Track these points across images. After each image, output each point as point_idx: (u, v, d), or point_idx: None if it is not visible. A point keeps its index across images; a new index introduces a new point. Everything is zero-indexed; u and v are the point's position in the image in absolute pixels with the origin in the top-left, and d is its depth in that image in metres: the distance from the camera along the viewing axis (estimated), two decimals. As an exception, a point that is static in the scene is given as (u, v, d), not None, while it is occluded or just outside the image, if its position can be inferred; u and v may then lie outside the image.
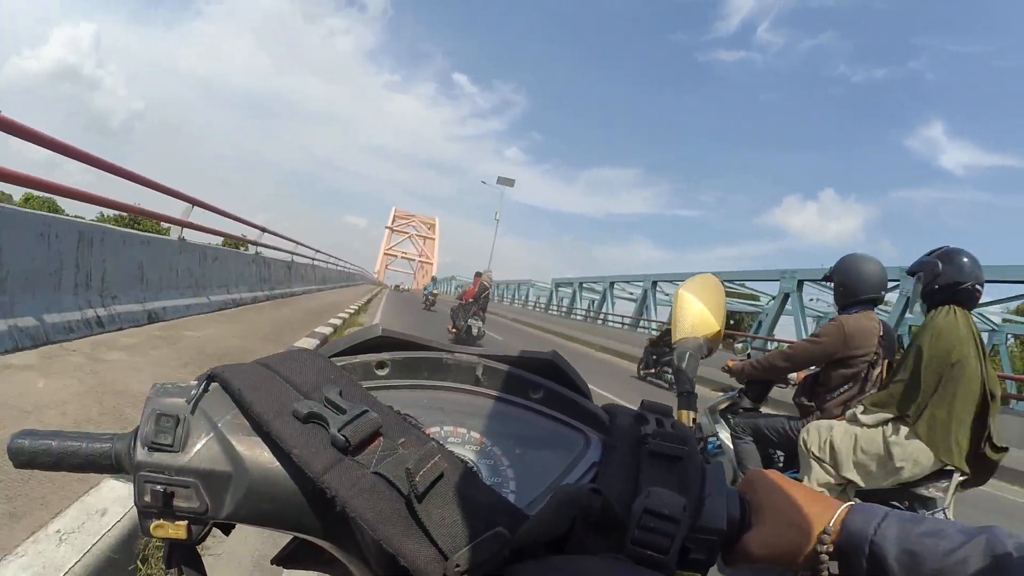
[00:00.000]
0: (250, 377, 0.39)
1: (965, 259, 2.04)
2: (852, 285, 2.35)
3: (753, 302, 24.68)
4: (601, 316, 24.67)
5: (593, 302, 27.52)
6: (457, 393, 0.46)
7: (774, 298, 15.33)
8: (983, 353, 2.02)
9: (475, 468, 0.41)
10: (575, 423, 0.45)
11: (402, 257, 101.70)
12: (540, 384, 0.46)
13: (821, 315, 21.84)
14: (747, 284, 19.56)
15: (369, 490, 0.34)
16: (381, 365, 0.45)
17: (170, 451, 0.37)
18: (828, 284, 2.52)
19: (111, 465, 0.39)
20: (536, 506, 0.39)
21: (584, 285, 29.35)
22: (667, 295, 21.28)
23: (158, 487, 0.36)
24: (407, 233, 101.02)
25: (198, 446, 0.37)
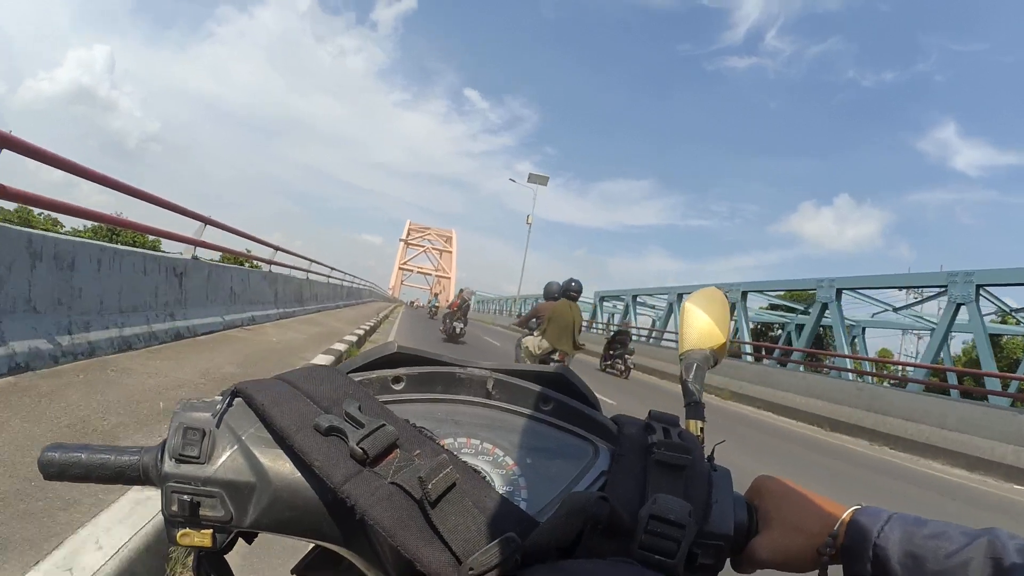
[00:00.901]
0: (272, 392, 0.41)
1: (573, 282, 6.24)
2: (546, 293, 6.90)
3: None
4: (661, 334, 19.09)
5: (655, 321, 22.13)
6: (470, 406, 0.47)
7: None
8: (577, 315, 6.09)
9: (488, 477, 0.42)
10: (584, 433, 0.47)
11: (418, 272, 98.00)
12: (550, 396, 0.47)
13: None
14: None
15: (387, 499, 0.36)
16: (397, 380, 0.47)
17: (196, 463, 0.38)
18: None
19: (139, 476, 0.41)
20: (547, 513, 0.40)
21: (638, 298, 23.15)
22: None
23: (185, 497, 0.38)
24: (422, 247, 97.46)
25: (223, 458, 0.39)
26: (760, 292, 16.14)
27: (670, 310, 19.74)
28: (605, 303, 27.06)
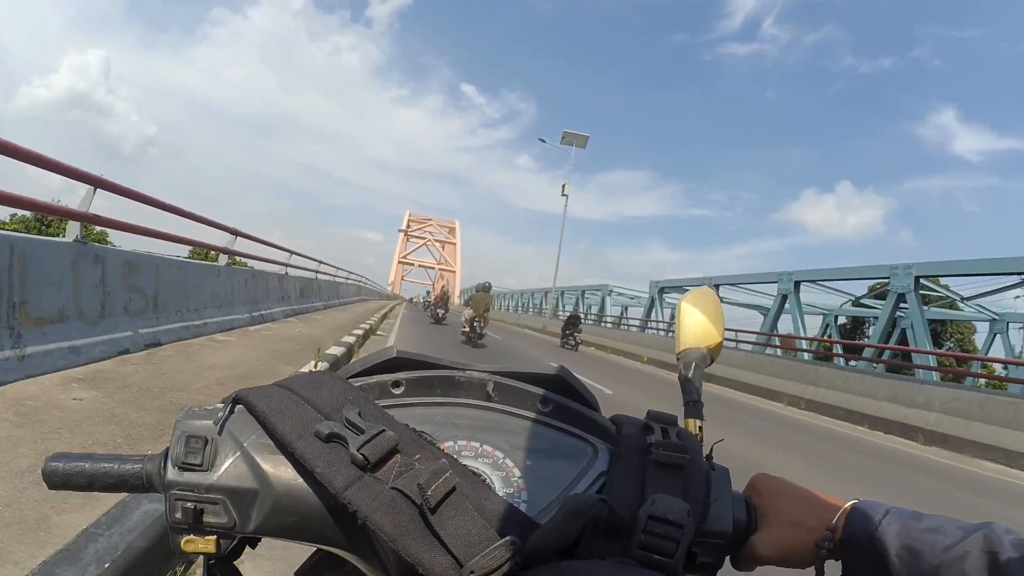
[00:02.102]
0: (273, 400, 0.42)
1: (487, 283, 14.81)
2: (477, 287, 13.77)
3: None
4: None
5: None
6: (470, 409, 0.48)
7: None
8: (488, 299, 13.46)
9: (488, 480, 0.42)
10: (583, 435, 0.47)
11: (419, 266, 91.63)
12: (549, 398, 0.48)
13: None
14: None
15: (388, 504, 0.36)
16: (396, 384, 0.47)
17: (199, 470, 0.39)
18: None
19: (142, 484, 0.41)
20: (547, 515, 0.40)
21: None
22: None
23: (188, 504, 0.38)
24: (423, 239, 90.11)
25: (226, 465, 0.39)
26: (813, 282, 15.61)
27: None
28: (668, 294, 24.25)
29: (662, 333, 19.94)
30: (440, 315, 18.69)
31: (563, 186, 29.38)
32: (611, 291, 28.97)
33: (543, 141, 29.78)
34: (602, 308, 28.44)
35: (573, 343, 16.89)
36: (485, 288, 14.71)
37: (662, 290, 21.98)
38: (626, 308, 29.63)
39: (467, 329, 12.99)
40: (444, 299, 19.53)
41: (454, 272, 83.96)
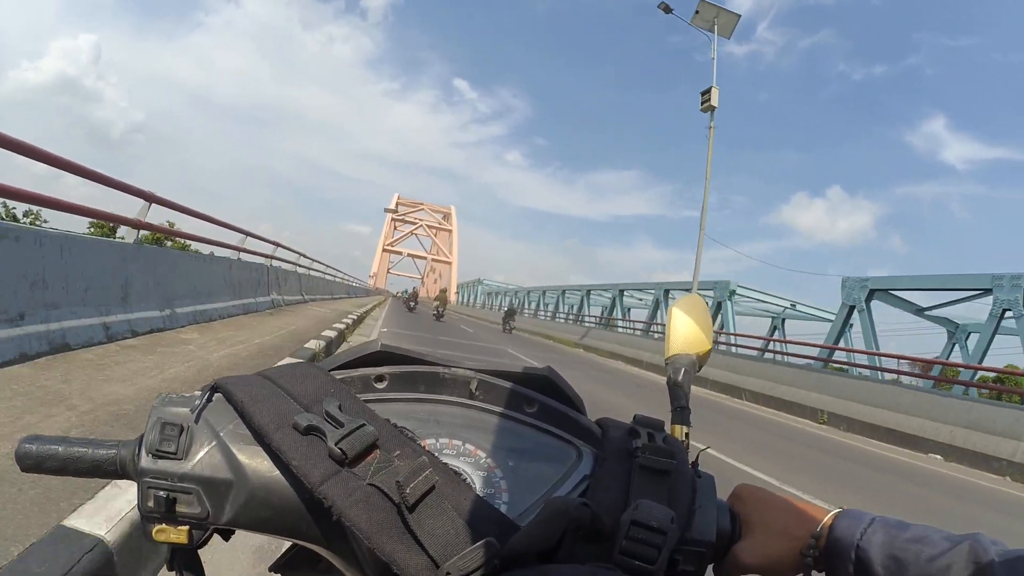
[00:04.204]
0: (252, 389, 0.41)
1: (443, 288, 24.53)
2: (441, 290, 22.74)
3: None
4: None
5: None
6: (453, 406, 0.47)
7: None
8: (447, 295, 23.83)
9: (468, 480, 0.42)
10: (568, 437, 0.46)
11: (408, 255, 79.76)
12: (534, 398, 0.47)
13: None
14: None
15: (364, 501, 0.35)
16: (380, 379, 0.46)
17: (173, 458, 0.38)
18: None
19: (115, 471, 0.40)
20: (528, 517, 0.40)
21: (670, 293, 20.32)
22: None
23: (161, 493, 0.37)
24: (415, 223, 76.37)
25: (200, 454, 0.38)
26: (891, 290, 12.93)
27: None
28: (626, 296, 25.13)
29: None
30: (411, 307, 24.56)
31: (708, 94, 14.49)
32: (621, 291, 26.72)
33: (667, 10, 14.85)
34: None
35: (509, 328, 23.66)
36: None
37: (666, 292, 20.96)
38: (629, 310, 28.88)
39: (435, 313, 21.96)
40: (415, 294, 25.76)
41: (450, 263, 71.99)
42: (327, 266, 20.51)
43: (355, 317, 11.83)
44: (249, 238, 9.43)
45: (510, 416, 0.47)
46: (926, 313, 15.26)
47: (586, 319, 26.58)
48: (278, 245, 11.56)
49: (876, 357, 11.10)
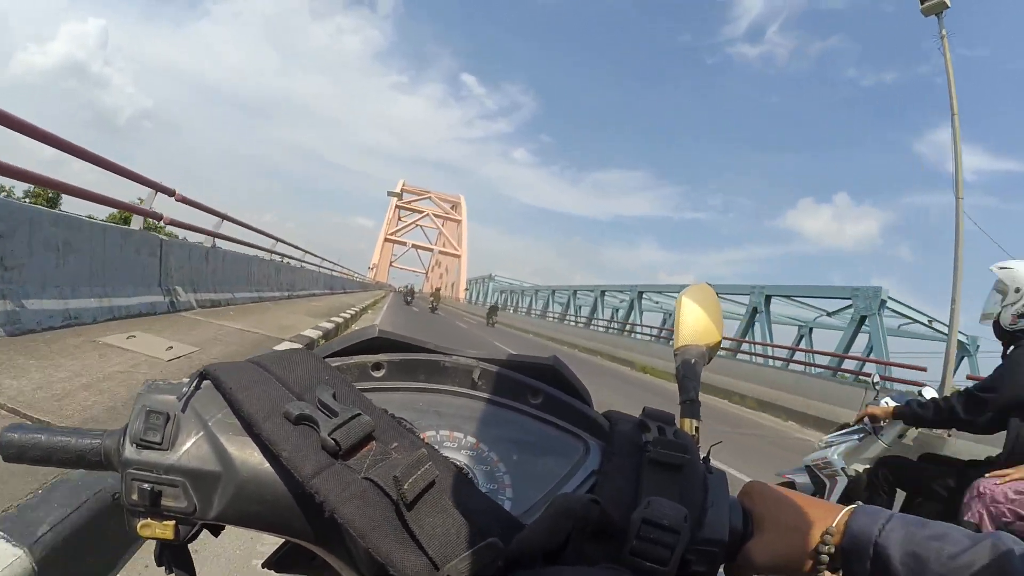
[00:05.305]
0: (242, 376, 0.39)
1: (438, 288, 32.40)
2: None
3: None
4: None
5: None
6: (454, 397, 0.45)
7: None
8: (440, 292, 31.62)
9: (470, 474, 0.40)
10: (574, 429, 0.44)
11: (413, 247, 75.35)
12: (539, 389, 0.45)
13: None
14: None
15: (359, 496, 0.33)
16: (377, 367, 0.44)
17: (159, 449, 0.36)
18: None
19: (99, 461, 0.39)
20: (533, 514, 0.38)
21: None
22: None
23: (145, 485, 0.36)
24: (421, 212, 71.64)
25: (187, 445, 0.36)
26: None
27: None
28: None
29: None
30: (408, 300, 30.98)
31: (941, 33, 10.41)
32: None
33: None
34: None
35: (493, 322, 27.15)
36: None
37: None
38: (616, 311, 29.39)
39: (430, 306, 28.02)
40: (410, 290, 32.97)
41: (458, 256, 66.82)
42: (275, 241, 11.61)
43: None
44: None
45: (514, 407, 0.45)
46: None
47: (602, 324, 24.67)
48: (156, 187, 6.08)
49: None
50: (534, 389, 0.45)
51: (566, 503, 0.35)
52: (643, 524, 0.35)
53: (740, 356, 14.28)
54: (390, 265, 74.83)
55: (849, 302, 13.03)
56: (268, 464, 0.36)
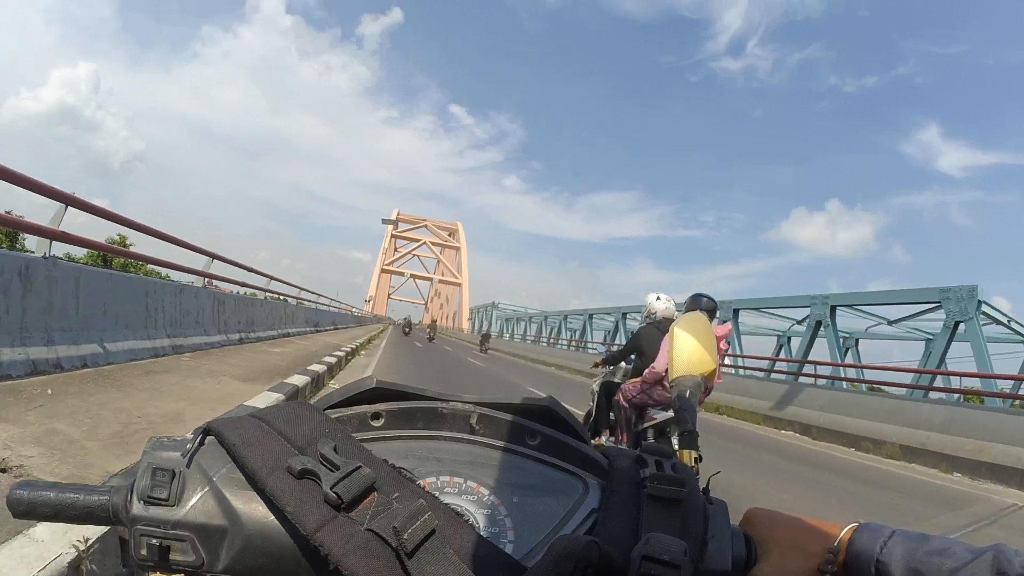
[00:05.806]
0: (245, 432, 0.39)
1: (434, 319, 39.08)
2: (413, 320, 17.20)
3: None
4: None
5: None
6: (453, 442, 0.45)
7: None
8: (436, 322, 36.86)
9: (471, 519, 0.40)
10: (573, 469, 0.45)
11: (411, 276, 72.85)
12: (537, 431, 0.46)
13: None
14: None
15: (362, 548, 0.34)
16: (376, 416, 0.45)
17: (166, 505, 0.37)
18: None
19: (108, 517, 0.40)
20: (535, 555, 0.38)
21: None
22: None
23: (154, 541, 0.36)
24: (418, 241, 69.00)
25: (193, 500, 0.37)
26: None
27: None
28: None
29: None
30: (407, 331, 33.70)
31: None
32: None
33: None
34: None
35: (485, 349, 29.20)
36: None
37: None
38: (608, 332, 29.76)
39: (428, 335, 31.10)
40: (407, 322, 36.26)
41: (459, 284, 63.97)
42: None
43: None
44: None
45: (512, 450, 0.45)
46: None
47: (591, 345, 25.36)
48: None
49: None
50: (531, 431, 0.46)
51: (567, 545, 0.35)
52: (643, 560, 0.36)
53: (803, 379, 11.71)
54: (388, 297, 73.27)
55: (931, 305, 10.81)
56: (273, 518, 0.37)
